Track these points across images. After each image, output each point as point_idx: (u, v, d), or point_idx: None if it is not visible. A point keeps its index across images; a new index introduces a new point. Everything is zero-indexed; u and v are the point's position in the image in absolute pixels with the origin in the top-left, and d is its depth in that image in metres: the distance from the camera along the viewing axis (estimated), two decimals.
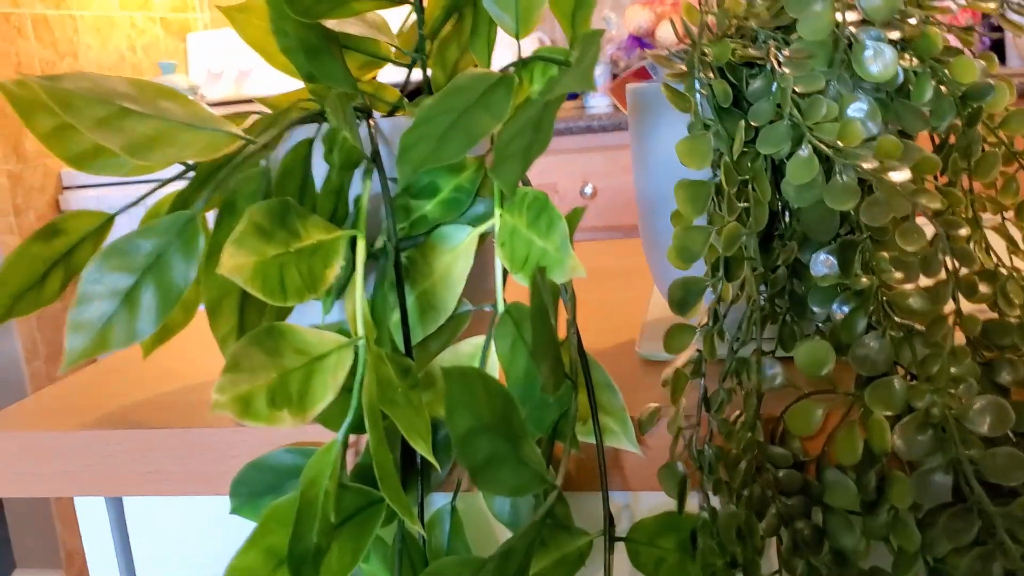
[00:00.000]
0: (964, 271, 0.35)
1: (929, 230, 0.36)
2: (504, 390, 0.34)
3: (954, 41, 0.44)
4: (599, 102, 2.08)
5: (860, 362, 0.36)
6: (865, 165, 0.34)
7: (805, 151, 0.35)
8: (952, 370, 0.34)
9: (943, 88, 0.40)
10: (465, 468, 0.33)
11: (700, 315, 0.39)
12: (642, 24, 2.05)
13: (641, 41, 2.06)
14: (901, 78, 0.40)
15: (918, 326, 0.35)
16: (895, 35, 0.40)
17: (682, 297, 0.37)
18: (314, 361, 0.35)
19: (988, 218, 0.42)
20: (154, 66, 2.73)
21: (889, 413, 0.34)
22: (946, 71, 0.40)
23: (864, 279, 0.36)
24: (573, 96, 2.30)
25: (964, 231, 0.34)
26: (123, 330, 0.34)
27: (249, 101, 2.60)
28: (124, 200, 2.29)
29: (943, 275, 0.35)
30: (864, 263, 0.35)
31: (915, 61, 0.41)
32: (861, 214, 0.34)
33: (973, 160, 0.40)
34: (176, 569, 0.51)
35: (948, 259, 0.34)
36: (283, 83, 2.57)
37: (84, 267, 0.36)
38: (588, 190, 1.90)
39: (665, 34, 1.97)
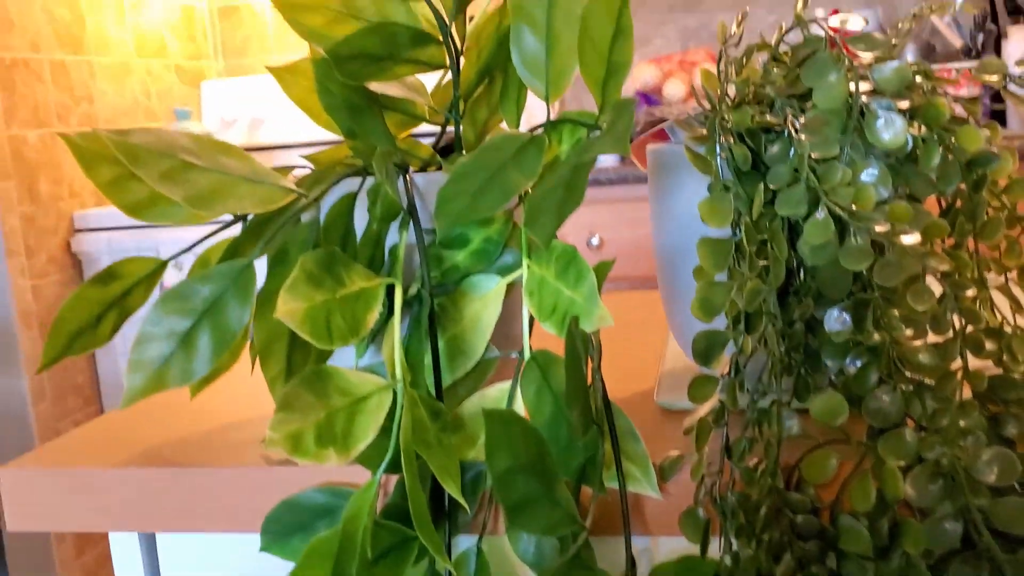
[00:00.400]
0: (971, 329, 0.37)
1: (937, 289, 0.38)
2: (538, 433, 0.36)
3: (960, 110, 0.47)
4: (606, 156, 2.12)
5: (873, 414, 0.38)
6: (878, 228, 0.36)
7: (821, 214, 0.38)
8: (960, 423, 0.36)
9: (950, 155, 0.43)
10: (502, 506, 0.35)
11: (722, 366, 0.41)
12: (648, 81, 2.10)
13: (648, 98, 2.10)
14: (910, 145, 0.42)
15: (928, 380, 0.37)
16: (904, 104, 0.43)
17: (705, 348, 0.39)
18: (357, 402, 0.37)
19: (993, 278, 0.44)
20: (169, 112, 2.78)
21: (901, 463, 0.36)
22: (952, 139, 0.43)
23: (876, 335, 0.38)
24: None
25: (971, 292, 0.36)
26: (179, 370, 0.36)
27: (261, 149, 2.64)
28: (134, 243, 2.32)
29: (951, 333, 0.37)
30: (876, 320, 0.37)
31: (923, 129, 0.43)
32: (874, 274, 0.36)
33: (978, 223, 0.42)
34: None
35: (956, 317, 0.36)
36: (295, 132, 2.61)
37: (136, 309, 0.38)
38: (595, 241, 1.93)
39: (672, 92, 2.02)
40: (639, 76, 2.12)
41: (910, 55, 2.11)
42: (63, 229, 2.49)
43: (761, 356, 0.40)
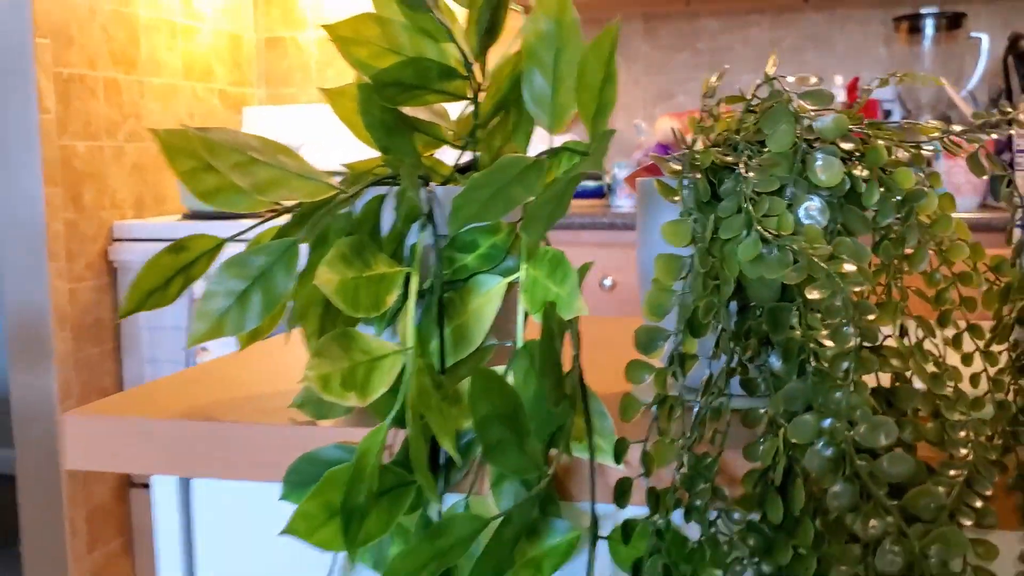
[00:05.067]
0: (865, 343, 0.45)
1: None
2: (515, 393, 0.44)
3: (902, 155, 0.55)
4: (624, 202, 2.22)
5: (787, 401, 0.46)
6: (795, 246, 0.45)
7: (751, 236, 0.46)
8: (850, 400, 0.43)
9: (885, 191, 0.51)
10: (480, 445, 0.43)
11: (662, 358, 0.49)
12: (669, 133, 2.19)
13: (667, 148, 2.20)
14: (848, 185, 0.51)
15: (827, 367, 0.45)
16: (849, 146, 0.51)
17: (647, 341, 0.48)
18: (375, 360, 0.46)
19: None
20: None
21: (805, 441, 0.44)
22: (890, 178, 0.51)
23: (796, 333, 0.46)
24: (601, 194, 2.44)
25: (871, 309, 0.44)
26: (234, 322, 0.45)
27: None
28: None
29: (850, 343, 0.44)
30: (798, 321, 0.46)
31: (865, 171, 0.52)
32: (786, 278, 0.45)
33: (907, 248, 0.50)
34: (231, 545, 0.61)
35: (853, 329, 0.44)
36: (328, 159, 2.72)
37: (198, 277, 0.47)
38: (608, 282, 2.02)
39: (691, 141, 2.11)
40: (661, 128, 2.22)
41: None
42: (102, 237, 2.60)
43: (702, 359, 0.49)
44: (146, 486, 2.69)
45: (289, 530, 0.46)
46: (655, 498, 0.47)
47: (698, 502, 0.46)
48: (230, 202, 0.49)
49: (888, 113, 2.38)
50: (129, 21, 2.71)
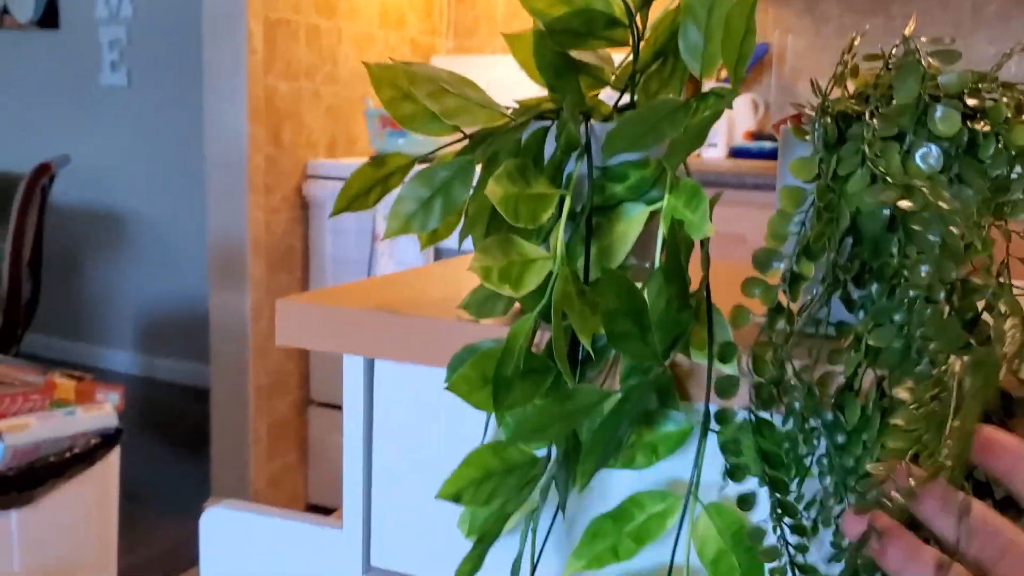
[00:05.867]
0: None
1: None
2: (641, 294, 0.52)
3: None
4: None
5: (875, 315, 0.52)
6: (893, 181, 0.51)
7: (863, 171, 0.52)
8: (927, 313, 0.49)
9: (1001, 146, 0.56)
10: (606, 333, 0.51)
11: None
12: None
13: None
14: (967, 138, 0.55)
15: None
16: (974, 102, 0.56)
17: (765, 261, 0.55)
18: (528, 261, 0.55)
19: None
20: None
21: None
22: (1008, 134, 0.56)
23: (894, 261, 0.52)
24: (775, 155, 2.45)
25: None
26: (419, 222, 0.55)
27: None
28: None
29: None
30: (900, 250, 0.52)
31: (987, 127, 0.56)
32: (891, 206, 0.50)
33: (1010, 198, 0.55)
34: (403, 419, 0.72)
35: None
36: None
37: (394, 188, 0.57)
38: None
39: None
40: None
41: None
42: (297, 174, 2.81)
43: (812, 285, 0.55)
44: (323, 404, 2.93)
45: (451, 388, 0.56)
46: (756, 392, 0.54)
47: (796, 403, 0.54)
48: (423, 127, 0.59)
49: None
50: None
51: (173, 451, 3.50)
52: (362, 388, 0.72)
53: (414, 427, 0.72)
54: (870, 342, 0.49)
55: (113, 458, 1.65)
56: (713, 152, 2.73)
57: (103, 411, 1.61)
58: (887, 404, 0.50)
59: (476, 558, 0.58)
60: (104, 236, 4.41)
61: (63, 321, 4.55)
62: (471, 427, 0.68)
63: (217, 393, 2.82)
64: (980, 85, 0.57)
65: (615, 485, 0.65)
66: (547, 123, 0.62)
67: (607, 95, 0.71)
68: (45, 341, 4.52)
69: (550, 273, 0.57)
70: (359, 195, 0.59)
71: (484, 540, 0.58)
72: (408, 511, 0.73)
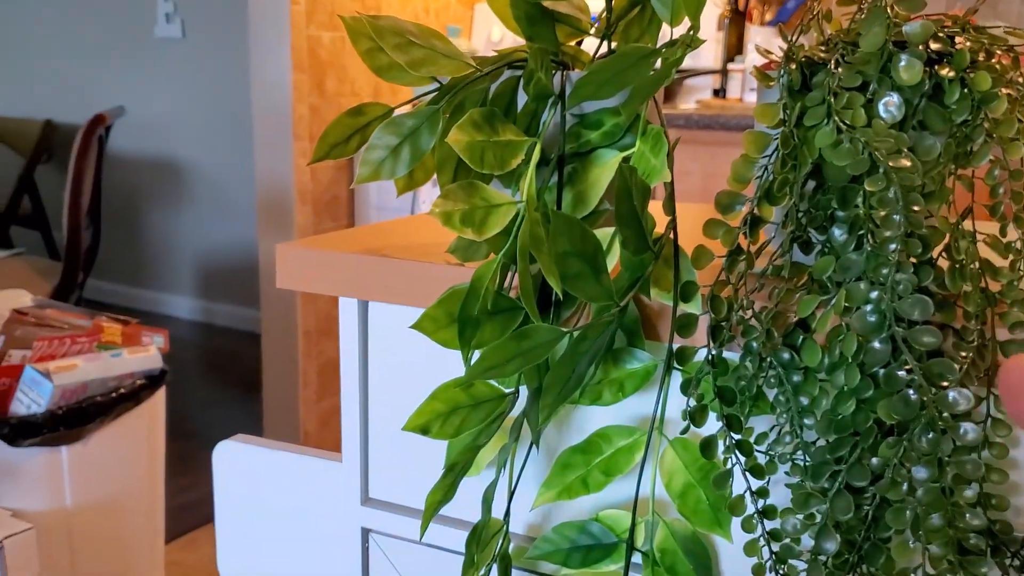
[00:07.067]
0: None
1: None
2: (595, 237, 0.54)
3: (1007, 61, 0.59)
4: None
5: (843, 270, 0.53)
6: (863, 139, 0.51)
7: (830, 125, 0.53)
8: (896, 276, 0.51)
9: (965, 91, 0.56)
10: (558, 275, 0.54)
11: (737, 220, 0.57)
12: None
13: None
14: (929, 85, 0.56)
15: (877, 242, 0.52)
16: (938, 46, 0.56)
17: (727, 203, 0.56)
18: (492, 207, 0.57)
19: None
20: (443, 28, 3.07)
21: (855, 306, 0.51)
22: (971, 80, 0.56)
23: (861, 211, 0.53)
24: None
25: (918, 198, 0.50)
26: (388, 169, 0.58)
27: None
28: None
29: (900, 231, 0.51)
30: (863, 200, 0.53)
31: (951, 72, 0.57)
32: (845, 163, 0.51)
33: (971, 146, 0.55)
34: (396, 358, 0.76)
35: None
36: None
37: (372, 134, 0.60)
38: None
39: None
40: None
41: None
42: None
43: (772, 228, 0.57)
44: None
45: (416, 326, 0.59)
46: (712, 332, 0.56)
47: (753, 343, 0.55)
48: (396, 77, 0.61)
49: None
50: None
51: (229, 394, 3.62)
52: (357, 329, 0.76)
53: (407, 366, 0.75)
54: (845, 303, 0.51)
55: (159, 398, 1.73)
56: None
57: (148, 353, 1.68)
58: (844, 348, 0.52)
59: (446, 487, 0.62)
60: (162, 185, 4.52)
61: (124, 268, 4.69)
62: (461, 366, 0.71)
63: (268, 337, 2.90)
64: (944, 29, 0.58)
65: (587, 421, 0.68)
66: (519, 72, 0.64)
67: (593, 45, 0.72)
68: (110, 288, 4.67)
69: (516, 216, 0.59)
70: (338, 143, 0.62)
71: (453, 470, 0.62)
72: (403, 446, 0.77)
